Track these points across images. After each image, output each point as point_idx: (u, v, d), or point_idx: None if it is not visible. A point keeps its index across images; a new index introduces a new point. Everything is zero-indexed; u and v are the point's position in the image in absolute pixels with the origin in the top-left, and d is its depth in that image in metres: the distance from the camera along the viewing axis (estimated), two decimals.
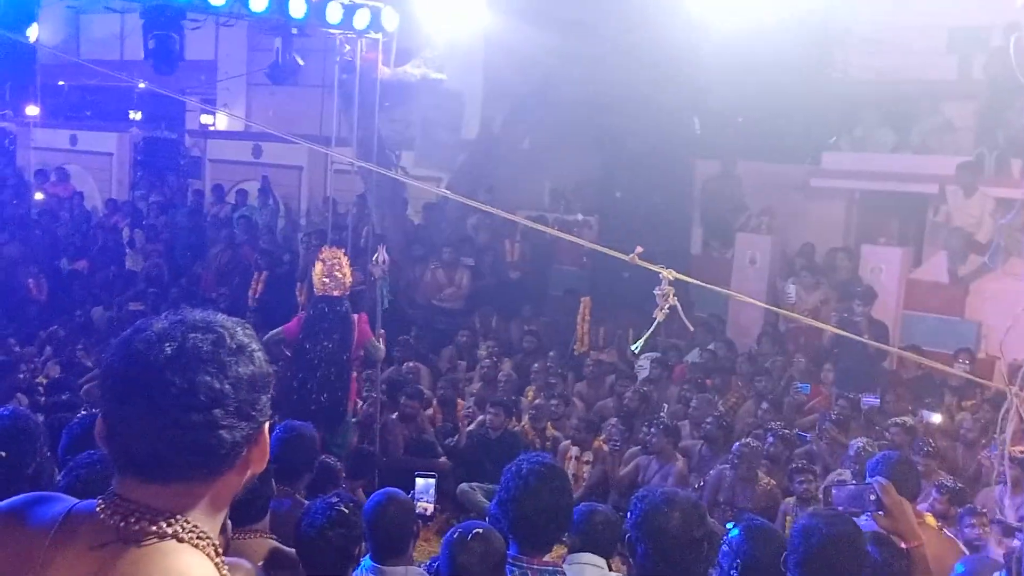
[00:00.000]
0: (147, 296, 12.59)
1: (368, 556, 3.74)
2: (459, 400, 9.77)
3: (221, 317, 1.50)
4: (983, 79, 12.10)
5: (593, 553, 3.82)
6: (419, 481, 4.41)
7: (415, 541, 4.03)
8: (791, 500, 7.36)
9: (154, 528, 1.42)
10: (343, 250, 8.42)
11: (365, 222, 12.28)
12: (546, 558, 3.43)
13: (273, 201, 15.63)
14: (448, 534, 3.14)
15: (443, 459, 8.62)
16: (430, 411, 9.53)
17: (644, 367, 10.70)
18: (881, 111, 13.14)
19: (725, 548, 3.80)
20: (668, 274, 2.36)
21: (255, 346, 1.50)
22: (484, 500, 7.74)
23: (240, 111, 16.38)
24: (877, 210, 13.03)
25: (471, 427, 9.02)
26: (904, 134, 12.92)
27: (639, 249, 2.48)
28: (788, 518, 7.20)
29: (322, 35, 10.40)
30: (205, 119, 17.40)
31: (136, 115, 17.49)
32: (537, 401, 9.53)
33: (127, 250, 15.21)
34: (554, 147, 14.01)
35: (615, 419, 8.81)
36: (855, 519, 4.18)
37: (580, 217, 14.01)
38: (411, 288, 13.02)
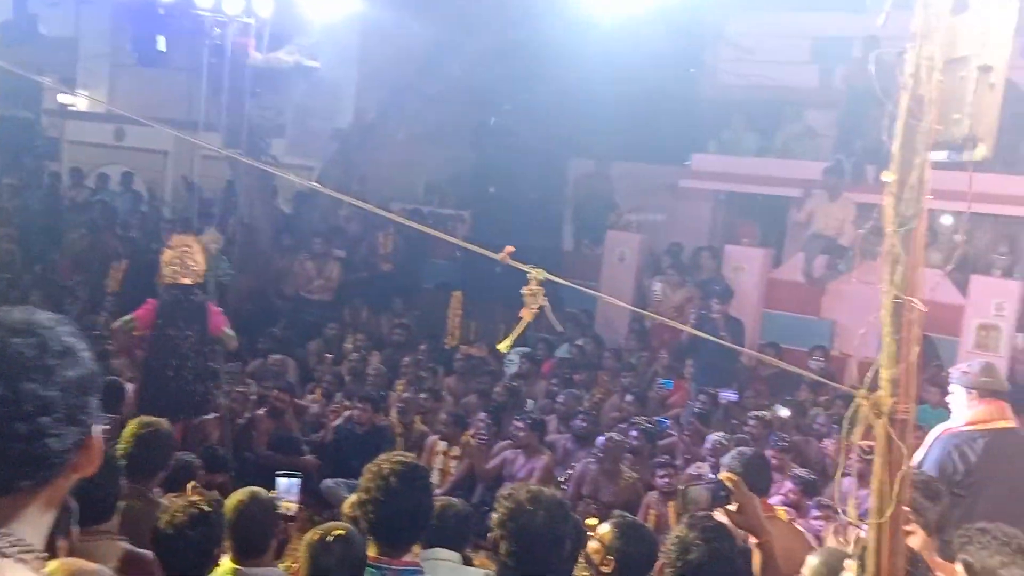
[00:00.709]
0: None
1: (228, 556, 3.65)
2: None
3: (42, 317, 1.41)
4: (843, 88, 12.64)
5: (445, 548, 3.83)
6: (281, 481, 4.31)
7: (278, 542, 3.95)
8: (654, 494, 7.53)
9: None
10: (193, 235, 8.22)
11: (233, 211, 11.98)
12: (406, 558, 3.41)
13: (136, 187, 15.08)
14: (308, 535, 3.08)
15: (309, 457, 8.46)
16: (313, 397, 9.37)
17: (513, 361, 10.78)
18: (747, 116, 13.57)
19: (595, 544, 3.86)
20: (537, 273, 2.37)
21: (81, 347, 1.42)
22: (350, 496, 7.64)
23: (103, 92, 15.72)
24: (741, 211, 13.47)
25: (337, 421, 8.89)
26: (768, 139, 13.39)
27: (509, 248, 2.48)
28: (651, 512, 7.37)
29: (192, 17, 10.07)
30: (63, 99, 16.63)
31: None
32: (405, 395, 9.47)
33: None
34: (429, 140, 13.96)
35: (483, 414, 8.84)
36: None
37: (454, 212, 14.01)
38: (280, 279, 12.76)
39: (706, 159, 13.24)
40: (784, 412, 9.48)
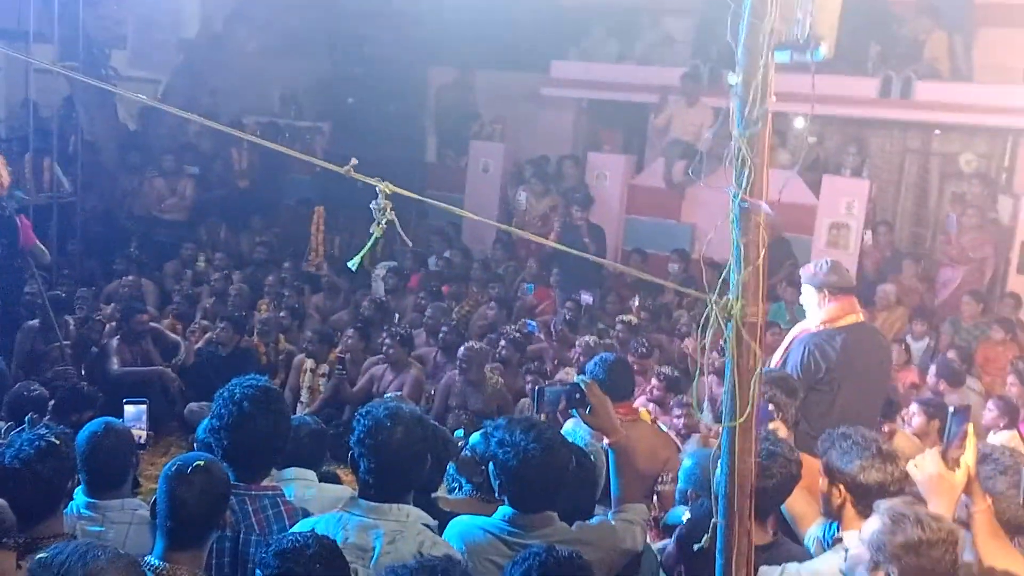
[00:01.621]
0: None
1: (81, 490, 3.50)
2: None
3: None
4: None
5: (300, 467, 3.78)
6: (128, 408, 4.14)
7: (134, 472, 3.81)
8: (525, 401, 7.61)
9: None
10: None
11: (72, 128, 11.30)
12: (264, 482, 3.34)
13: None
14: (167, 467, 2.95)
15: (167, 371, 8.18)
16: (168, 322, 9.05)
17: (380, 276, 10.66)
18: (607, 23, 13.51)
19: (467, 455, 3.87)
20: (384, 187, 2.28)
21: None
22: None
23: None
24: (603, 119, 13.51)
25: (199, 344, 8.64)
26: (628, 46, 13.39)
27: (353, 161, 2.38)
28: None
29: None
30: None
31: None
32: (267, 315, 9.26)
33: None
34: (283, 50, 13.41)
35: (352, 329, 8.72)
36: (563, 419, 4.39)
37: (311, 124, 13.59)
38: (128, 199, 12.18)
39: (566, 66, 13.16)
40: (587, 298, 9.82)
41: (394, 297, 10.17)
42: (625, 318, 9.07)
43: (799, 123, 11.63)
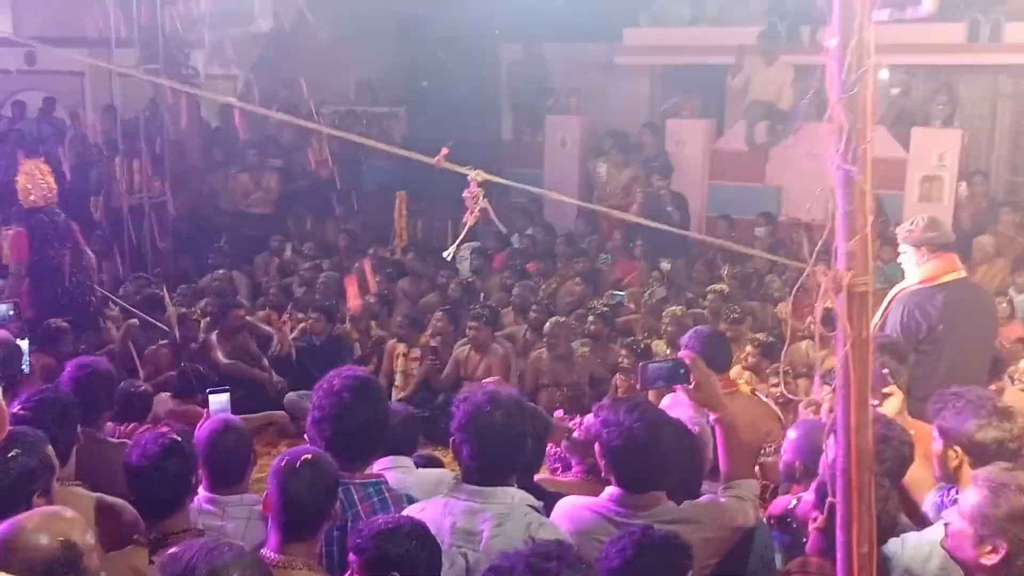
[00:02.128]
0: None
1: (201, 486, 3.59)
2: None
3: None
4: None
5: (395, 455, 3.80)
6: (213, 398, 4.23)
7: (252, 468, 3.90)
8: (619, 376, 7.55)
9: None
10: (43, 159, 8.48)
11: (158, 129, 11.57)
12: (367, 471, 3.38)
13: (56, 113, 14.46)
14: (276, 462, 3.00)
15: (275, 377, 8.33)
16: (263, 314, 9.22)
17: (465, 257, 10.70)
18: None
19: (576, 435, 3.87)
20: (476, 175, 2.26)
21: None
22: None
23: (6, 15, 14.92)
24: (679, 84, 13.28)
25: (293, 335, 8.79)
26: (700, 8, 13.13)
27: (444, 150, 2.36)
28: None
29: None
30: None
31: None
32: (355, 303, 9.36)
33: None
34: (357, 37, 13.49)
35: (440, 312, 8.77)
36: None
37: (388, 109, 13.67)
38: (215, 195, 12.44)
39: (639, 33, 12.97)
40: (665, 265, 9.76)
41: (480, 277, 10.19)
42: (716, 287, 8.95)
43: (882, 74, 11.27)
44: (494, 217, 2.32)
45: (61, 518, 2.41)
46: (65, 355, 5.89)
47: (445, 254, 2.63)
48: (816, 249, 2.28)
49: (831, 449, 2.22)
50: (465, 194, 2.40)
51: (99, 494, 3.43)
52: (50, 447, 2.95)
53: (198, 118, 13.24)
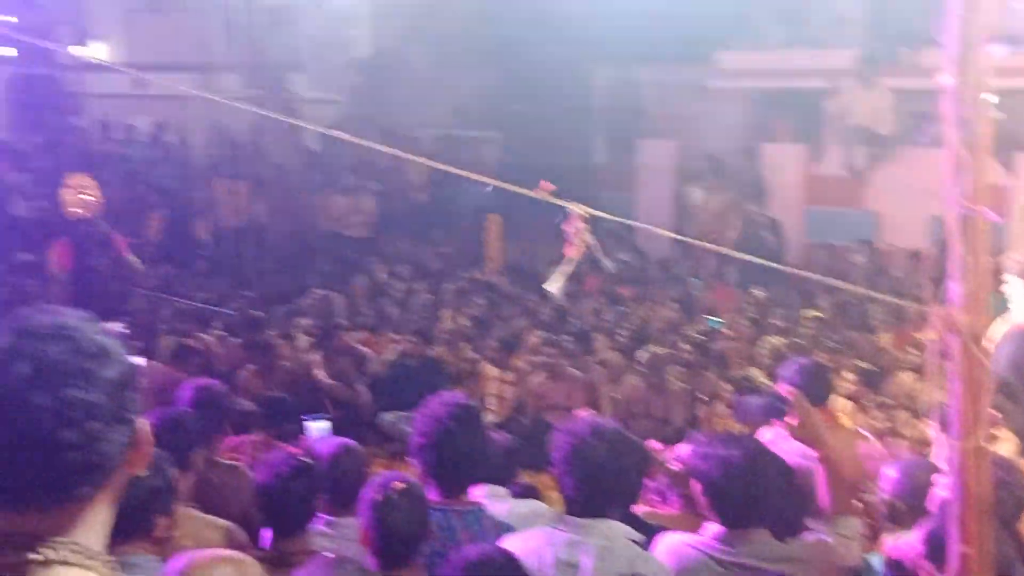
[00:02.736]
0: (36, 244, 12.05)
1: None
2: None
3: (70, 318, 1.37)
4: None
5: (491, 483, 3.82)
6: (312, 426, 4.28)
7: None
8: (718, 405, 7.46)
9: (36, 557, 1.30)
10: (90, 175, 9.14)
11: (260, 152, 11.91)
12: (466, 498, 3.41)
13: (166, 135, 15.00)
14: (366, 493, 3.04)
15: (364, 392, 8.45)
16: (357, 336, 9.35)
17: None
18: (773, 7, 13.14)
19: (675, 467, 3.84)
20: (580, 211, 2.29)
21: (113, 343, 1.38)
22: (410, 429, 7.68)
23: (118, 41, 15.55)
24: (774, 108, 13.13)
25: (389, 356, 8.90)
26: (796, 30, 12.98)
27: (547, 185, 2.39)
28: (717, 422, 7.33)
29: None
30: (77, 51, 16.45)
31: (11, 51, 16.43)
32: (449, 326, 9.46)
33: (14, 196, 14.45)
34: (453, 63, 13.71)
35: (538, 332, 8.77)
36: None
37: (482, 134, 13.81)
38: (314, 217, 12.72)
39: (734, 56, 12.87)
40: (759, 293, 9.59)
41: (571, 301, 10.19)
42: (811, 313, 8.80)
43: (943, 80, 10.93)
44: (599, 252, 2.35)
45: (245, 564, 2.39)
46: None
47: (549, 287, 2.65)
48: (927, 280, 2.25)
49: (941, 494, 2.16)
50: (567, 228, 2.42)
51: (224, 522, 3.52)
52: (173, 469, 3.05)
53: (299, 142, 13.59)
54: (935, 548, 2.70)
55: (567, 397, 8.07)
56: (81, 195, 8.45)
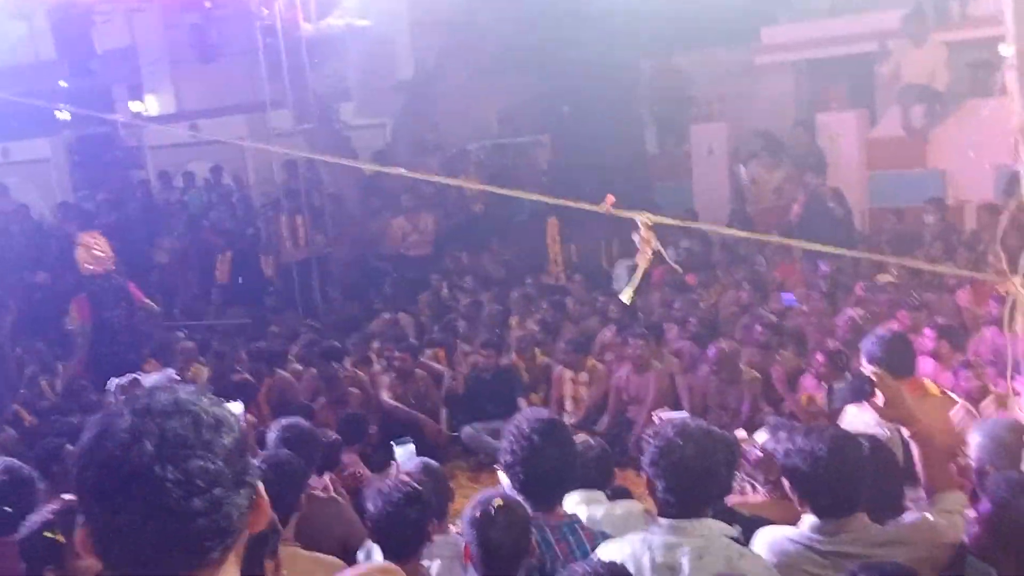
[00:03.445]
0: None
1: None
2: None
3: (183, 393, 1.46)
4: None
5: (587, 489, 3.81)
6: (399, 450, 4.32)
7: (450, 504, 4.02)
8: (804, 393, 7.34)
9: None
10: (99, 232, 9.68)
11: (317, 184, 12.07)
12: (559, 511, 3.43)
13: (224, 179, 15.31)
14: (468, 512, 3.08)
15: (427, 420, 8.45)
16: (433, 353, 9.40)
17: (621, 276, 10.68)
18: None
19: (757, 455, 3.80)
20: (645, 219, 2.28)
21: (227, 412, 1.48)
22: (491, 440, 7.74)
23: (169, 92, 15.94)
24: (824, 77, 12.93)
25: (465, 371, 8.95)
26: None
27: (611, 198, 2.39)
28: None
29: (238, 2, 10.08)
30: (135, 107, 16.92)
31: (65, 115, 16.94)
32: (518, 333, 9.46)
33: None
34: (495, 72, 13.72)
35: (609, 330, 8.72)
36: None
37: (532, 138, 13.83)
38: (375, 241, 12.85)
39: (778, 30, 12.70)
40: (824, 268, 9.24)
41: (639, 295, 10.12)
42: (885, 278, 8.63)
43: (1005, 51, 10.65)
44: (668, 259, 2.34)
45: (396, 573, 2.46)
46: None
47: (622, 296, 2.64)
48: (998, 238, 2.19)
49: None
50: (635, 236, 2.42)
51: (317, 554, 3.58)
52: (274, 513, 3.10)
53: (353, 169, 13.75)
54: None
55: (645, 390, 8.04)
56: (93, 251, 8.96)
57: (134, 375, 7.00)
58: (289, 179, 13.35)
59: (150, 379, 6.51)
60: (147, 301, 9.79)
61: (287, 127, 11.72)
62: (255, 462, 1.49)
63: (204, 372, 8.68)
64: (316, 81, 12.24)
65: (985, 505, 2.87)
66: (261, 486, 1.50)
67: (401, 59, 14.55)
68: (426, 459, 3.94)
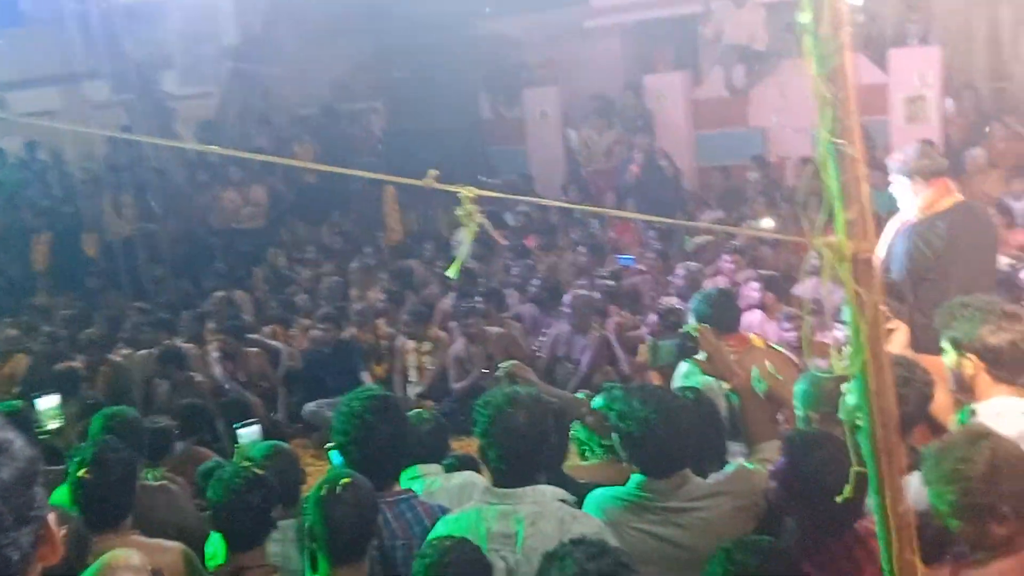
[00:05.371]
0: None
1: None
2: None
3: None
4: None
5: (424, 463, 3.80)
6: (242, 431, 4.20)
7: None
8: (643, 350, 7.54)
9: None
10: None
11: (138, 158, 11.54)
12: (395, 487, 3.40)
13: (39, 154, 14.39)
14: (314, 492, 3.00)
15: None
16: (267, 330, 9.16)
17: (461, 243, 10.67)
18: None
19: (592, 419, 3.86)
20: (468, 192, 2.25)
21: (10, 436, 1.28)
22: (331, 415, 7.61)
23: None
24: (652, 39, 13.20)
25: (304, 346, 8.76)
26: None
27: (433, 173, 2.35)
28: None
29: None
30: None
31: None
32: (358, 305, 9.32)
33: None
34: (326, 37, 13.36)
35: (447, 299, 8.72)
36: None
37: (366, 105, 13.61)
38: (204, 216, 12.38)
39: None
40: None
41: (480, 261, 10.16)
42: (698, 240, 8.98)
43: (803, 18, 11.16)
44: (492, 232, 2.31)
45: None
46: None
47: (448, 272, 2.61)
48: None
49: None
50: (458, 211, 2.38)
51: (179, 545, 3.46)
52: None
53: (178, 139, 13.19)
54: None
55: (489, 357, 8.07)
56: None
57: None
58: (111, 153, 12.71)
59: None
60: None
61: (104, 98, 11.12)
62: (41, 492, 1.31)
63: (23, 362, 8.16)
64: (134, 49, 11.66)
65: (780, 460, 3.00)
66: (52, 517, 1.33)
67: (225, 24, 13.98)
68: (276, 442, 3.82)
